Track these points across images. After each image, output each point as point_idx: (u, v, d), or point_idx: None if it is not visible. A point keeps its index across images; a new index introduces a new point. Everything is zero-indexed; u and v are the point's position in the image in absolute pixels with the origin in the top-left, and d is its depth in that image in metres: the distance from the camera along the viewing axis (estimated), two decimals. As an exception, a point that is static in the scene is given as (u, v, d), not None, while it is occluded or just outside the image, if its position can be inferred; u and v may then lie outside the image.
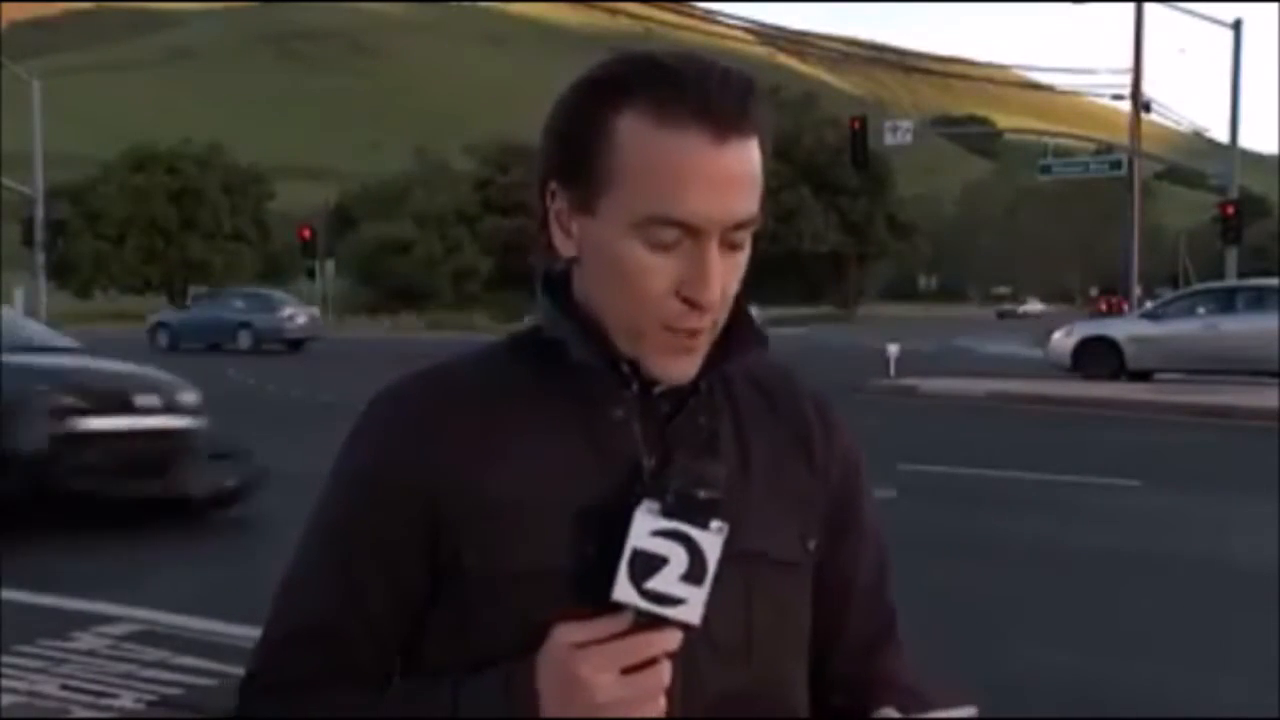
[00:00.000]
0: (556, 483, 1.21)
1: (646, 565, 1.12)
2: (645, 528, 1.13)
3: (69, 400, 9.35)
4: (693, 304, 1.19)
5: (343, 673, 1.24)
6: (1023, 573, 8.28)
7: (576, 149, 1.20)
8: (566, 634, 1.12)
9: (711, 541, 1.13)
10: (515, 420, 1.24)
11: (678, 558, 1.12)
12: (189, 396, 10.04)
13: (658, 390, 1.25)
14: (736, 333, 1.27)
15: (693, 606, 1.12)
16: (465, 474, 1.22)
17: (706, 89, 1.16)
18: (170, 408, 9.79)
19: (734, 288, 1.23)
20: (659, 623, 1.12)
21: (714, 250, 1.18)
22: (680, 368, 1.23)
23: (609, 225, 1.19)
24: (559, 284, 1.27)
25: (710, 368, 1.26)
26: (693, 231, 1.17)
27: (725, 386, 1.31)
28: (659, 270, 1.18)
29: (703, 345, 1.23)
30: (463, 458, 1.22)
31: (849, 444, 1.38)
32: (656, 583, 1.12)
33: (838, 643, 1.36)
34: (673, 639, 1.12)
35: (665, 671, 1.12)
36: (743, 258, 1.23)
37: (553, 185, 1.23)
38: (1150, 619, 7.09)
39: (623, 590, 1.12)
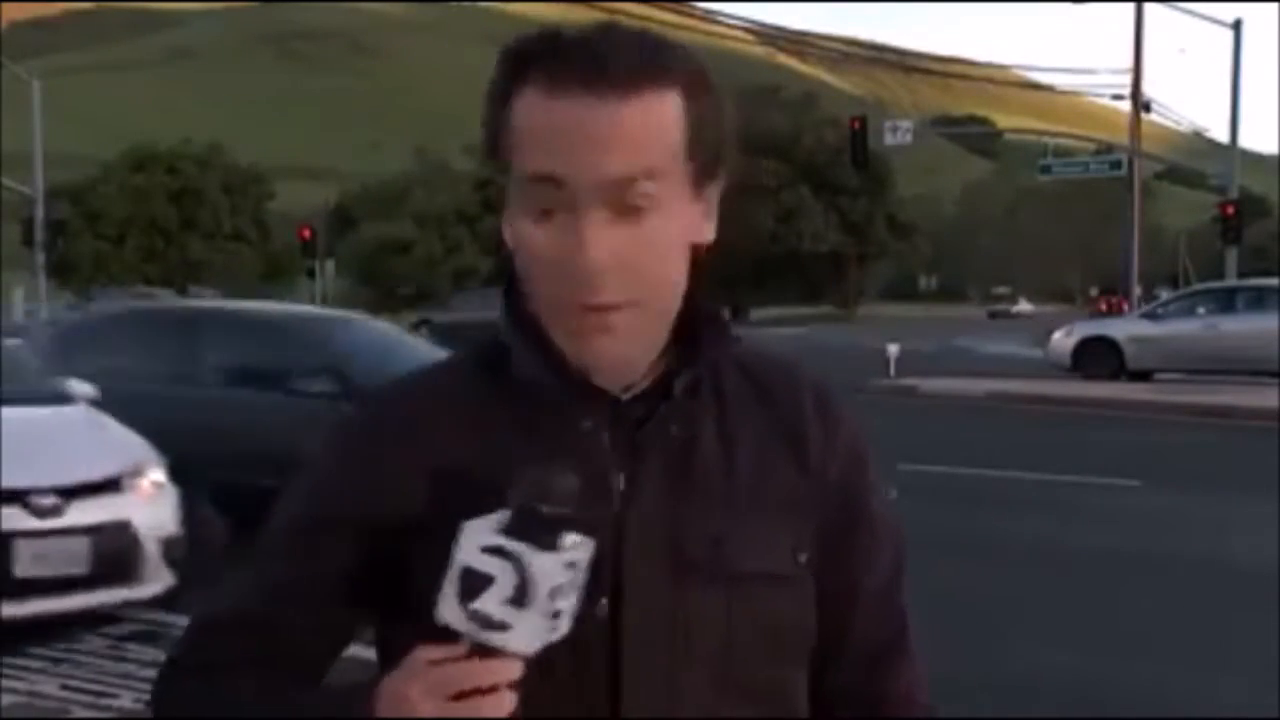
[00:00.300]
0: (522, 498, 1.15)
1: (472, 584, 1.02)
2: (475, 542, 1.03)
3: None
4: (573, 273, 1.12)
5: (267, 660, 1.21)
6: (1023, 573, 8.29)
7: (489, 133, 1.19)
8: (423, 651, 1.06)
9: (545, 564, 1.01)
10: (487, 433, 1.20)
11: (505, 578, 1.02)
12: None
13: (628, 396, 1.20)
14: (704, 330, 1.22)
15: (519, 634, 1.02)
16: (428, 489, 1.18)
17: (591, 52, 1.13)
18: None
19: (649, 263, 1.15)
20: (494, 650, 1.03)
21: (590, 214, 1.12)
22: (598, 350, 1.16)
23: (510, 203, 1.18)
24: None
25: (681, 367, 1.21)
26: (569, 194, 1.13)
27: (714, 385, 1.24)
28: (544, 242, 1.14)
29: (624, 327, 1.15)
30: (430, 471, 1.18)
31: (852, 439, 1.30)
32: (481, 603, 1.02)
33: (842, 650, 1.29)
34: (507, 670, 1.03)
35: (500, 704, 1.03)
36: (650, 229, 1.14)
37: (500, 180, 1.22)
38: (1150, 619, 7.10)
39: (447, 609, 1.03)
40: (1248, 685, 5.89)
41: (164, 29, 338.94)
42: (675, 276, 1.18)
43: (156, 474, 6.94)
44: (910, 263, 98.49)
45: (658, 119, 1.14)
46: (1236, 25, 29.95)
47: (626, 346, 1.18)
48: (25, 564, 6.08)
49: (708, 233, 1.21)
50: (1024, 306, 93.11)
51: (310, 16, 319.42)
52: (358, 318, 11.65)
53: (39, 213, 36.50)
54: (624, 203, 1.13)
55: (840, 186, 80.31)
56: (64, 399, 7.45)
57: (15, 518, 6.10)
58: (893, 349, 23.66)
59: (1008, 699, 5.60)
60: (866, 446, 1.32)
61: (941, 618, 6.41)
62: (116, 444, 6.94)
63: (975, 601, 7.40)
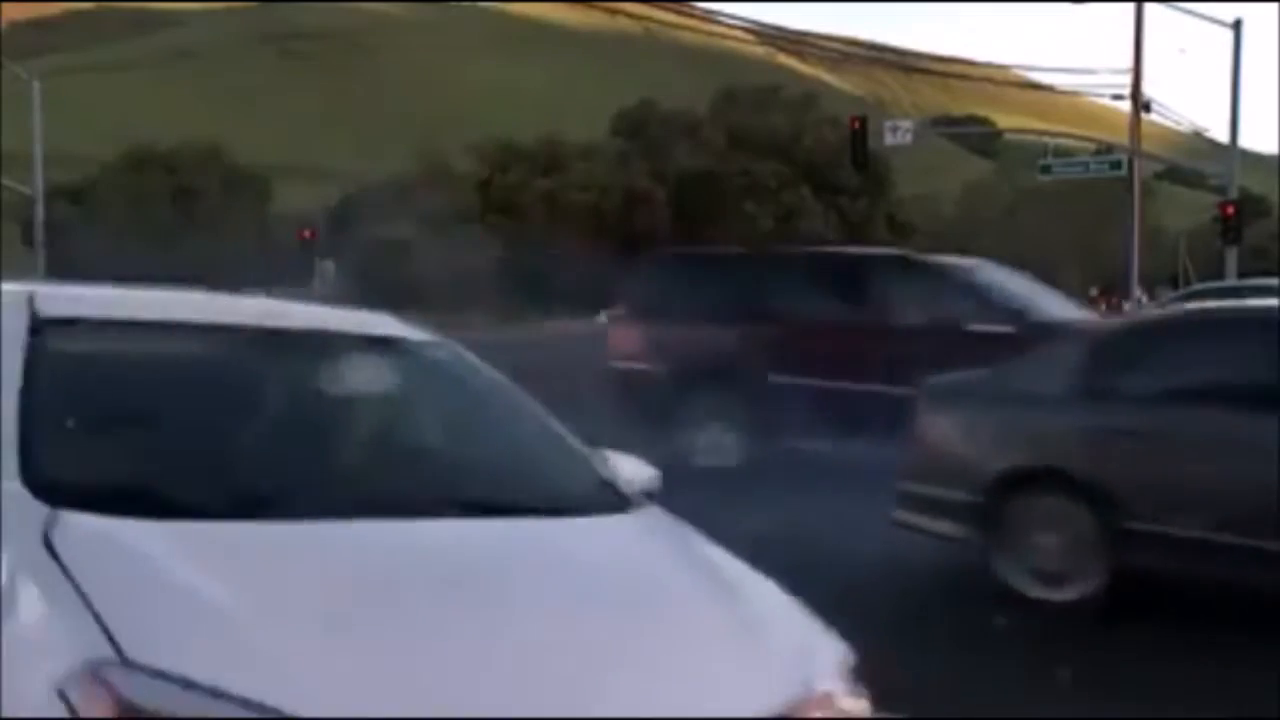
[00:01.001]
0: None
1: None
2: None
3: None
4: None
5: None
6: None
7: None
8: None
9: None
10: None
11: None
12: None
13: None
14: None
15: None
16: None
17: None
18: None
19: None
20: None
21: None
22: None
23: None
24: None
25: None
26: None
27: None
28: None
29: None
30: None
31: None
32: None
33: None
34: None
35: None
36: None
37: None
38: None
39: None
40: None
41: (164, 29, 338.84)
42: None
43: (851, 699, 2.83)
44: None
45: None
46: (1236, 25, 29.98)
47: None
48: None
49: None
50: None
51: (310, 16, 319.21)
52: None
53: (39, 213, 36.54)
54: None
55: (840, 186, 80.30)
56: (612, 498, 3.39)
57: None
58: (893, 348, 23.60)
59: (1005, 698, 5.60)
60: None
61: (941, 616, 6.41)
62: (758, 617, 2.94)
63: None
